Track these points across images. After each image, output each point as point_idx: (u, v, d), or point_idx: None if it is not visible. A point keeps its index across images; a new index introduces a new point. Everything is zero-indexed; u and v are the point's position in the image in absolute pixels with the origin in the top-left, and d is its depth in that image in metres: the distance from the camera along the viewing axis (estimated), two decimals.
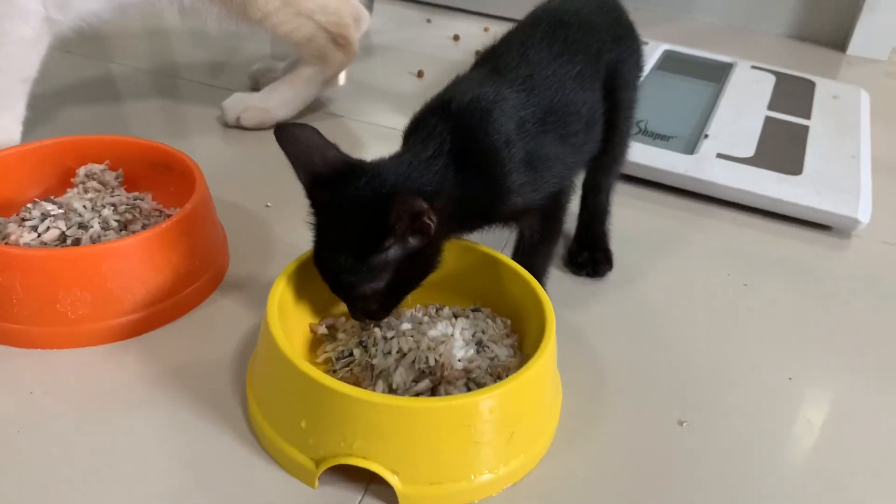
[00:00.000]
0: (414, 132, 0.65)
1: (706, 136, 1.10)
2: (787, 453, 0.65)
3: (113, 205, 0.78)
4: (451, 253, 0.68)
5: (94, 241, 0.73)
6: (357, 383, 0.62)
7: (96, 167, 0.83)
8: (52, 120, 1.07)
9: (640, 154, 1.02)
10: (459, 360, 0.62)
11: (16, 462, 0.58)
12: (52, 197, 0.78)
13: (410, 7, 1.76)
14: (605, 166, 0.82)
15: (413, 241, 0.59)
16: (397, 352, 0.63)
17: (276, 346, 0.57)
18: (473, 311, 0.70)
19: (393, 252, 0.59)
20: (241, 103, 1.09)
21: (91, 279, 0.67)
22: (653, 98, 1.18)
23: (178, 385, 0.65)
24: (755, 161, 1.05)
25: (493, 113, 0.64)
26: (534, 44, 0.71)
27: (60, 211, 0.75)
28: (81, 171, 0.82)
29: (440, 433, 0.54)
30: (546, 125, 0.67)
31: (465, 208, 0.64)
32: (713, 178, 1.02)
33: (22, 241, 0.72)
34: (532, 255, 0.73)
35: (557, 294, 0.73)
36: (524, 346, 0.68)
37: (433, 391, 0.61)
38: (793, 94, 1.29)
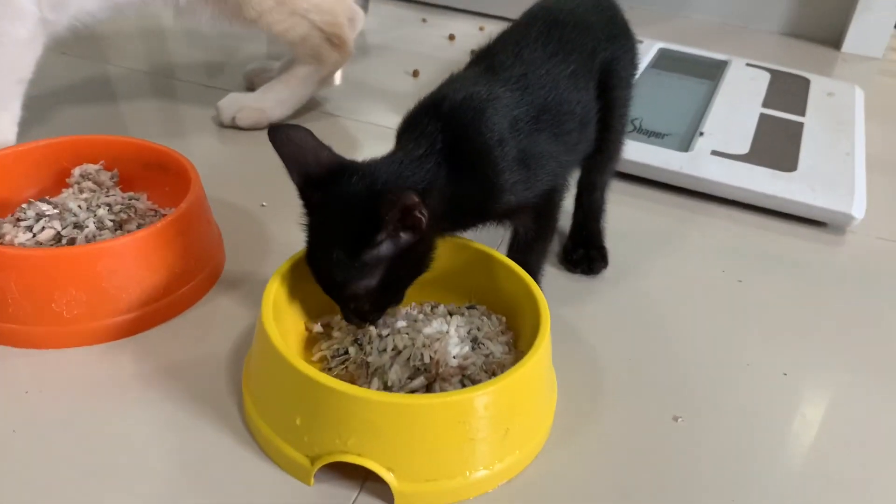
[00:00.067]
0: (407, 131, 0.65)
1: (701, 133, 1.10)
2: (783, 448, 0.65)
3: (108, 205, 0.78)
4: (446, 250, 0.69)
5: (90, 240, 0.73)
6: (352, 381, 0.62)
7: (91, 167, 0.83)
8: (48, 121, 1.07)
9: (635, 152, 1.03)
10: (454, 357, 0.62)
11: (11, 462, 0.58)
12: (47, 197, 0.78)
13: (406, 6, 1.76)
14: (599, 164, 0.82)
15: (405, 237, 0.59)
16: (392, 349, 0.63)
17: (271, 343, 0.57)
18: (468, 308, 0.70)
19: (385, 248, 0.59)
20: (236, 103, 1.09)
21: (86, 279, 0.67)
22: (648, 96, 1.18)
23: (174, 384, 0.65)
24: (750, 158, 1.05)
25: (486, 112, 0.64)
26: (528, 43, 0.71)
27: (55, 211, 0.75)
28: (76, 171, 0.82)
29: (435, 430, 0.55)
30: (540, 123, 0.67)
31: (459, 206, 0.64)
32: (708, 175, 1.02)
33: (17, 241, 0.72)
34: (527, 252, 0.73)
35: (552, 291, 0.73)
36: (519, 343, 0.68)
37: (428, 388, 0.61)
38: (787, 92, 1.29)
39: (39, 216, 0.74)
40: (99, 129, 1.05)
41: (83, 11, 0.91)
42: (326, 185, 0.60)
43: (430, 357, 0.62)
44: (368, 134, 1.14)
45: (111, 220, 0.76)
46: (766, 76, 1.34)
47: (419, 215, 0.57)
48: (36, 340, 0.68)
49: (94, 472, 0.57)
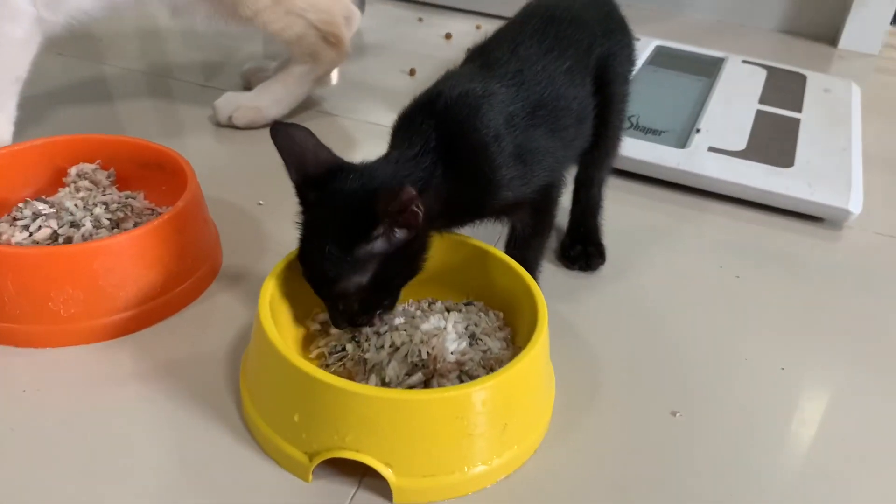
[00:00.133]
0: (402, 128, 0.65)
1: (698, 130, 1.10)
2: (780, 442, 0.65)
3: (105, 203, 0.78)
4: (444, 247, 0.69)
5: (86, 239, 0.73)
6: (350, 378, 0.62)
7: (88, 166, 0.83)
8: (45, 121, 1.07)
9: (632, 148, 1.03)
10: (452, 353, 0.62)
11: (9, 460, 0.57)
12: (43, 196, 0.78)
13: (402, 6, 1.76)
14: (597, 160, 0.82)
15: (399, 235, 0.59)
16: (390, 346, 0.63)
17: (268, 340, 0.57)
18: (466, 304, 0.70)
19: (379, 245, 0.59)
20: (232, 102, 1.09)
21: (83, 277, 0.67)
22: (644, 93, 1.18)
23: (172, 382, 0.65)
24: (747, 154, 1.05)
25: (481, 108, 0.64)
26: (524, 40, 0.71)
27: (52, 210, 0.75)
28: (73, 170, 0.82)
29: (433, 425, 0.54)
30: (536, 119, 0.67)
31: (455, 204, 0.64)
32: (705, 171, 1.02)
33: (14, 240, 0.72)
34: (524, 248, 0.73)
35: (550, 288, 0.73)
36: (517, 339, 0.68)
37: (426, 384, 0.61)
38: (784, 88, 1.29)
39: (36, 215, 0.74)
40: (96, 130, 1.04)
41: (79, 10, 0.91)
42: (323, 183, 0.60)
43: (428, 353, 0.62)
44: (365, 133, 1.14)
45: (108, 219, 0.76)
46: (763, 73, 1.34)
47: (416, 209, 0.57)
48: (33, 339, 0.68)
49: (91, 470, 0.57)
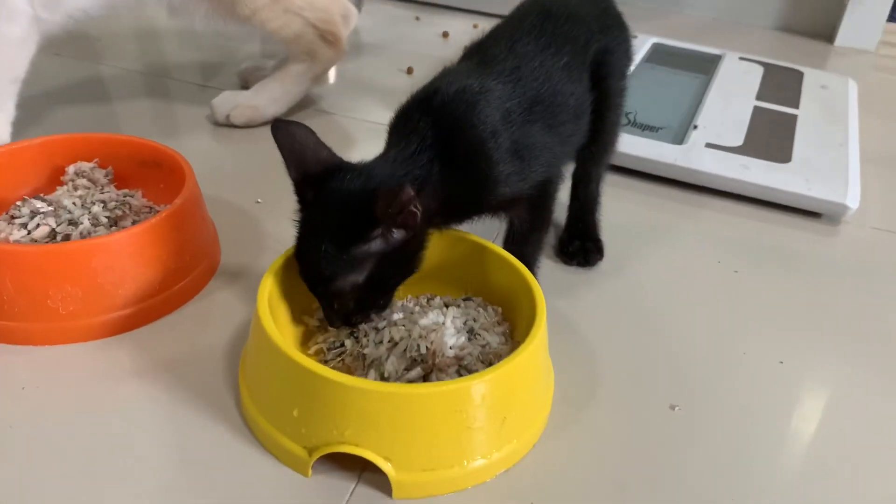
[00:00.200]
0: (398, 126, 0.65)
1: (695, 126, 1.11)
2: (779, 436, 0.66)
3: (103, 202, 0.78)
4: (442, 243, 0.69)
5: (84, 237, 0.73)
6: (349, 373, 0.62)
7: (86, 165, 0.83)
8: (43, 121, 1.07)
9: (629, 145, 1.03)
10: (451, 348, 0.62)
11: (8, 458, 0.57)
12: (41, 195, 0.78)
13: (399, 5, 1.76)
14: (594, 156, 0.82)
15: (397, 235, 0.59)
16: (389, 341, 0.63)
17: (267, 336, 0.57)
18: (465, 300, 0.70)
19: (376, 245, 0.59)
20: (230, 101, 1.09)
21: (81, 275, 0.67)
22: (642, 90, 1.19)
23: (171, 379, 0.65)
24: (744, 150, 1.06)
25: (478, 104, 0.64)
26: (521, 36, 0.71)
27: (50, 208, 0.75)
28: (71, 168, 0.82)
29: (432, 419, 0.55)
30: (533, 115, 0.67)
31: (453, 200, 0.64)
32: (702, 167, 1.02)
33: (12, 238, 0.72)
34: (522, 244, 0.73)
35: (549, 283, 0.73)
36: (515, 333, 0.68)
37: (425, 379, 0.61)
38: (781, 85, 1.30)
39: (34, 213, 0.74)
40: (94, 129, 1.03)
41: (77, 9, 0.91)
42: (322, 182, 0.60)
43: (427, 348, 0.62)
44: (363, 131, 1.14)
45: (106, 217, 0.76)
46: (760, 70, 1.35)
47: (414, 209, 0.57)
48: (32, 337, 0.68)
49: (91, 468, 0.57)
